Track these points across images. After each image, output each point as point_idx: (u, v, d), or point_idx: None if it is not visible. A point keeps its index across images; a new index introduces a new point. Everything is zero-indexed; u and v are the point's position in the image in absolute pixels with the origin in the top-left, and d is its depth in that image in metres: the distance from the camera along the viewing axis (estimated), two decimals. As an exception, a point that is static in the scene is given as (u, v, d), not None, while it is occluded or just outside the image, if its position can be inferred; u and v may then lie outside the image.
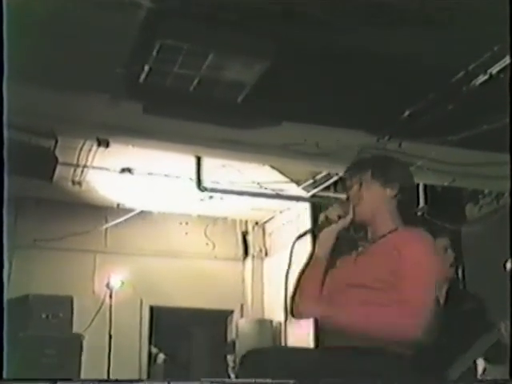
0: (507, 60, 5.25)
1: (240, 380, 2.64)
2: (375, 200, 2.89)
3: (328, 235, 2.92)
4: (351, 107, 6.00)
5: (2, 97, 3.07)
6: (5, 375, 2.72)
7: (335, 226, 2.91)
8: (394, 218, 2.90)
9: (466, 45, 5.21)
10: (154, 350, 11.37)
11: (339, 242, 2.97)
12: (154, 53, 5.21)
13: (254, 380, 2.58)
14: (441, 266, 2.84)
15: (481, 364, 6.95)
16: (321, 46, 5.15)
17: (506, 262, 5.75)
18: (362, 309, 2.67)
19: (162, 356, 11.47)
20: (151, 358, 11.11)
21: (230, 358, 10.81)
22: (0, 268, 2.92)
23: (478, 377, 6.87)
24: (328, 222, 2.92)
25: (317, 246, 2.94)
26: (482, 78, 5.59)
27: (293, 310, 2.87)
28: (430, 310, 2.63)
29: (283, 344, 9.91)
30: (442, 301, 4.55)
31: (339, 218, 2.90)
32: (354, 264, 2.85)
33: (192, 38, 5.11)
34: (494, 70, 5.45)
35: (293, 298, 2.89)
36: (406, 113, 6.18)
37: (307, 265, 2.94)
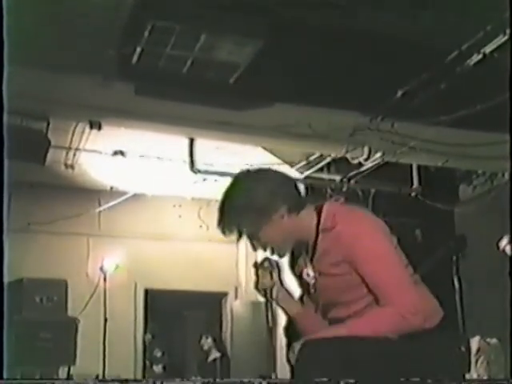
0: (501, 39, 5.24)
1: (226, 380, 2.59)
2: (279, 231, 2.66)
3: (281, 294, 2.77)
4: (344, 88, 5.98)
5: (1, 81, 3.05)
6: (5, 375, 2.71)
7: (276, 281, 2.74)
8: (308, 226, 2.69)
9: (459, 24, 5.19)
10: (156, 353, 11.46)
11: (300, 285, 2.86)
12: (146, 34, 5.18)
13: (239, 380, 2.53)
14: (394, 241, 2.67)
15: (475, 342, 7.01)
16: (313, 26, 5.13)
17: (499, 241, 5.77)
18: (356, 322, 2.59)
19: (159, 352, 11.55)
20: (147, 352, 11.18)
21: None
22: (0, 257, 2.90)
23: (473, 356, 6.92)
24: (268, 291, 2.73)
25: (285, 308, 2.81)
26: (475, 58, 5.58)
27: None
28: (415, 297, 2.57)
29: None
30: None
31: (271, 275, 2.74)
32: (320, 296, 2.74)
33: (184, 19, 5.08)
34: (488, 49, 5.44)
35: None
36: (399, 93, 6.17)
37: (292, 323, 2.84)
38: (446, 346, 2.68)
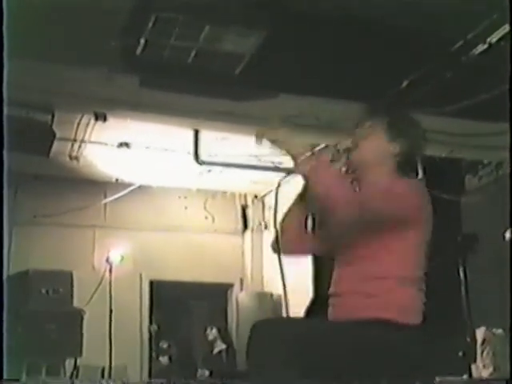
0: (506, 28, 5.21)
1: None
2: (374, 152, 2.77)
3: (323, 173, 2.74)
4: (349, 78, 5.96)
5: (2, 72, 3.05)
6: (5, 375, 2.72)
7: (329, 165, 2.79)
8: (389, 175, 2.76)
9: (464, 13, 5.17)
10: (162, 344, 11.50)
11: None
12: (150, 25, 5.17)
13: None
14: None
15: (480, 332, 7.00)
16: (317, 15, 5.11)
17: (504, 231, 5.75)
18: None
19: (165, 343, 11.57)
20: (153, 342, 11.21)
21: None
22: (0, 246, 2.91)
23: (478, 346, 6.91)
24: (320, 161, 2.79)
25: (310, 184, 2.82)
26: (481, 47, 5.55)
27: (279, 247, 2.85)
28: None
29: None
30: None
31: (332, 160, 2.81)
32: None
33: (187, 10, 5.07)
34: (493, 38, 5.41)
35: (277, 236, 2.87)
36: (405, 83, 6.15)
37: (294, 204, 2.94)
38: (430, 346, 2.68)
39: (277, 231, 2.87)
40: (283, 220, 2.93)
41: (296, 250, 2.95)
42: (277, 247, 2.83)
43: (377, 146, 2.78)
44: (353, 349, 2.48)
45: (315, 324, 2.55)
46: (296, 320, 2.53)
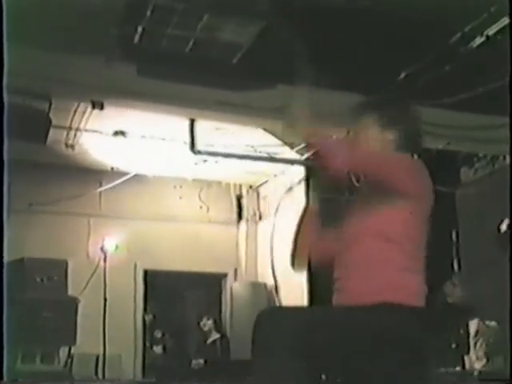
0: (505, 21, 5.21)
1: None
2: (371, 141, 2.80)
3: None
4: (347, 69, 5.96)
5: (2, 60, 3.04)
6: (5, 377, 2.72)
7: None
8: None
9: (462, 6, 5.17)
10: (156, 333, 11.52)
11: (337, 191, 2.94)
12: (148, 13, 5.16)
13: None
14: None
15: (474, 324, 7.02)
16: (316, 5, 5.11)
17: (500, 223, 5.78)
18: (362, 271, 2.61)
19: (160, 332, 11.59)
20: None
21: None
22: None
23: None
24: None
25: (311, 198, 2.89)
26: (478, 40, 5.56)
27: (294, 263, 2.88)
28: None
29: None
30: None
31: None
32: (355, 217, 2.77)
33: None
34: (491, 31, 5.41)
35: (293, 253, 2.90)
36: (402, 75, 6.15)
37: (302, 217, 2.92)
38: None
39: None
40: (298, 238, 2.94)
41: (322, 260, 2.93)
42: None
43: (372, 136, 2.80)
44: (361, 335, 2.49)
45: (321, 311, 2.55)
46: (302, 308, 2.54)
